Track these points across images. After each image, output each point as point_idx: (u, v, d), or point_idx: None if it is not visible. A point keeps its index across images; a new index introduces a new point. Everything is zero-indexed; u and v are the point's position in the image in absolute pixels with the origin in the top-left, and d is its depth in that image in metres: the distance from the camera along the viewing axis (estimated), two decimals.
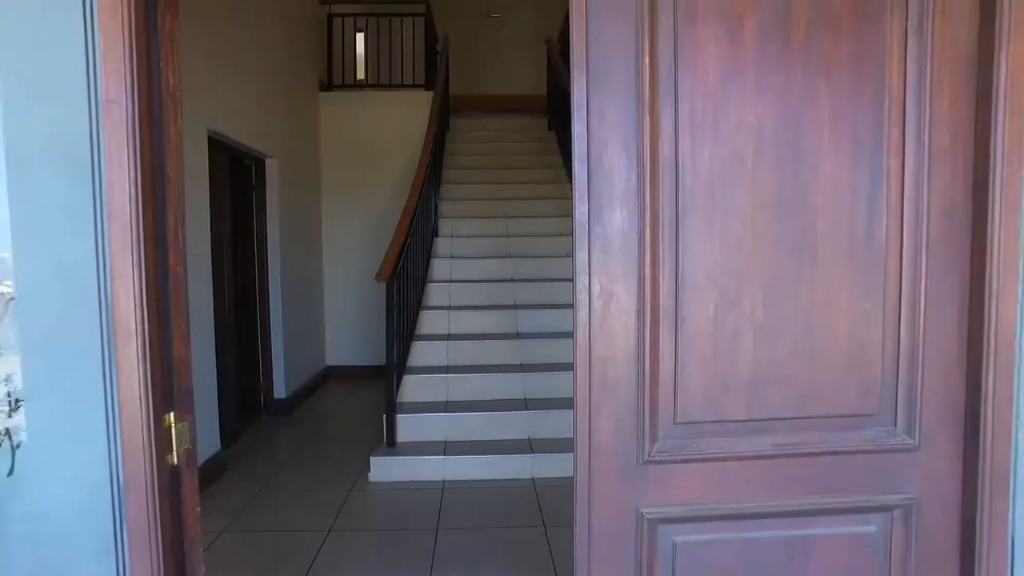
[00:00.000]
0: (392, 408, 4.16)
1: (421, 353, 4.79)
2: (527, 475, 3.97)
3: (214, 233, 4.40)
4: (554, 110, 7.64)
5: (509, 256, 5.79)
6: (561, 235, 6.08)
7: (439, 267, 5.65)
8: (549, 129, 7.80)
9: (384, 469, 3.97)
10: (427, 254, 5.53)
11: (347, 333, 7.05)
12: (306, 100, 6.56)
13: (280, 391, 5.59)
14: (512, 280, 5.54)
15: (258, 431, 5.11)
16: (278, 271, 5.54)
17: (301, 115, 6.35)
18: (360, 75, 7.55)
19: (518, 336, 4.96)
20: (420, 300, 5.19)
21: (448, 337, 4.95)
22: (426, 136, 5.39)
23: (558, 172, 6.92)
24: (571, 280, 1.32)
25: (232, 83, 4.56)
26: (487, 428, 4.25)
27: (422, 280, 5.28)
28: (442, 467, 3.97)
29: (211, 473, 3.98)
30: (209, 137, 4.19)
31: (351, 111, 7.08)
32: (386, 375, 4.17)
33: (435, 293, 5.37)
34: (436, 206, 6.03)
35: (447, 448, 4.09)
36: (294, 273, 5.96)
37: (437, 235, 5.99)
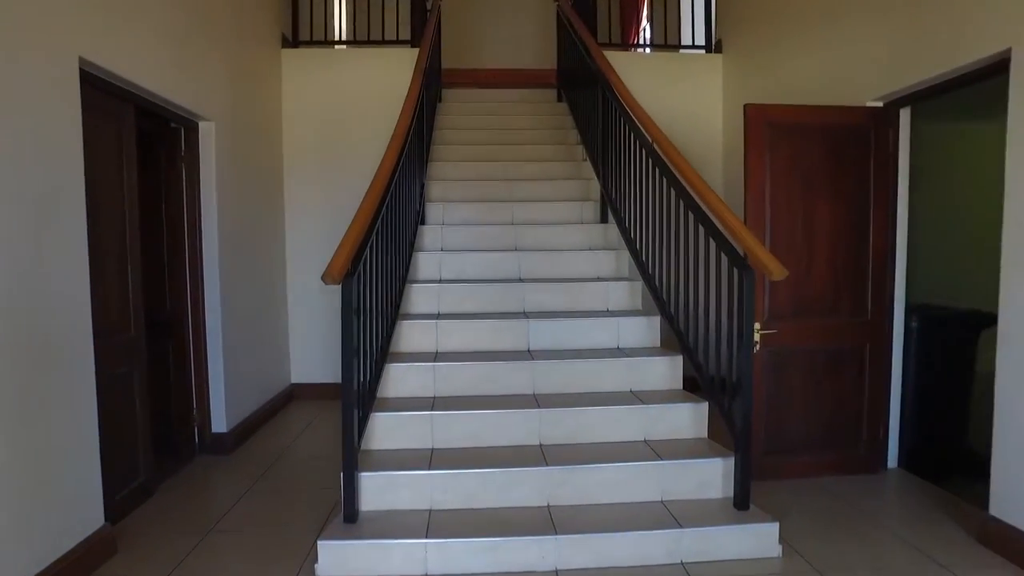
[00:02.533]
0: (352, 463, 2.88)
1: (398, 380, 3.53)
2: (548, 566, 2.71)
3: (104, 214, 3.14)
4: (565, 78, 6.39)
5: (515, 249, 4.54)
6: (581, 223, 4.84)
7: (425, 263, 4.39)
8: (559, 101, 6.57)
9: (339, 558, 2.70)
10: (409, 246, 4.27)
11: (316, 345, 5.78)
12: (261, 56, 5.27)
13: (219, 424, 4.31)
14: (520, 280, 4.29)
15: (183, 482, 3.83)
16: (216, 267, 4.25)
17: (253, 73, 5.07)
18: (335, 30, 6.29)
19: (529, 355, 3.71)
20: (399, 306, 3.92)
21: (435, 357, 3.69)
22: (409, 90, 4.12)
23: (573, 149, 5.69)
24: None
25: (134, 6, 3.29)
26: (489, 492, 2.98)
27: (401, 279, 4.01)
28: (424, 555, 2.71)
29: (88, 564, 2.72)
30: (88, 73, 2.92)
31: (323, 72, 5.81)
32: (343, 415, 2.89)
33: (419, 296, 4.11)
34: (422, 187, 4.78)
35: (431, 524, 2.83)
36: (241, 271, 4.69)
37: (424, 223, 4.74)
